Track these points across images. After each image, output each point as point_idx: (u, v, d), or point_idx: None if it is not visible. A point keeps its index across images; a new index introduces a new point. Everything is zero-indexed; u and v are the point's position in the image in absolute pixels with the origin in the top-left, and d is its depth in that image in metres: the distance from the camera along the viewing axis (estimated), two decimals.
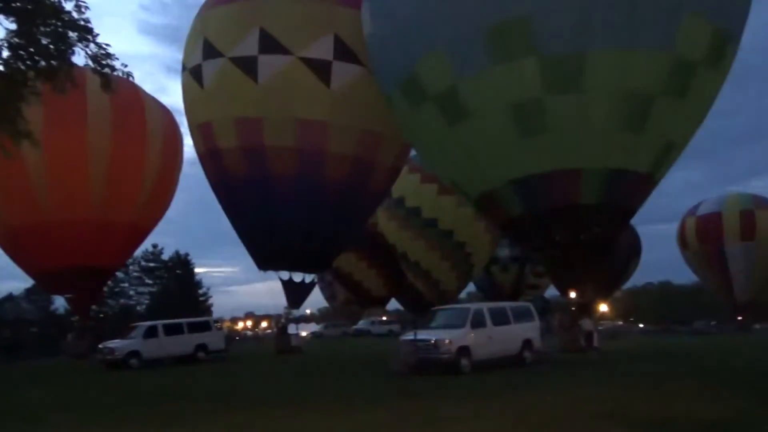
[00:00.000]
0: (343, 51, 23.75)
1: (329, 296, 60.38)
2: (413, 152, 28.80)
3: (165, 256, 61.13)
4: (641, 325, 76.79)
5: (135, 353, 23.76)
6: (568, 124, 18.33)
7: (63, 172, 28.33)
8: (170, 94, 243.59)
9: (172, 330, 25.36)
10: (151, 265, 60.36)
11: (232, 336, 55.02)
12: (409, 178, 37.04)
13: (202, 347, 25.74)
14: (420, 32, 19.27)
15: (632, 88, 17.87)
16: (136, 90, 31.60)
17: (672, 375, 15.93)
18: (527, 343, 19.58)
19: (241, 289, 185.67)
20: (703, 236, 47.16)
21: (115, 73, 10.32)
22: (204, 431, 9.59)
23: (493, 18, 17.74)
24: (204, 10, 26.01)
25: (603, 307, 52.44)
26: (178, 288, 58.41)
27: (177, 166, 34.26)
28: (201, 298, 63.01)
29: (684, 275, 73.05)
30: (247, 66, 23.77)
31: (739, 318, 49.61)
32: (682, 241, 49.73)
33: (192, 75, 25.79)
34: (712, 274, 48.16)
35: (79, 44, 9.61)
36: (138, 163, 30.48)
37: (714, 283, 49.41)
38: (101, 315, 50.89)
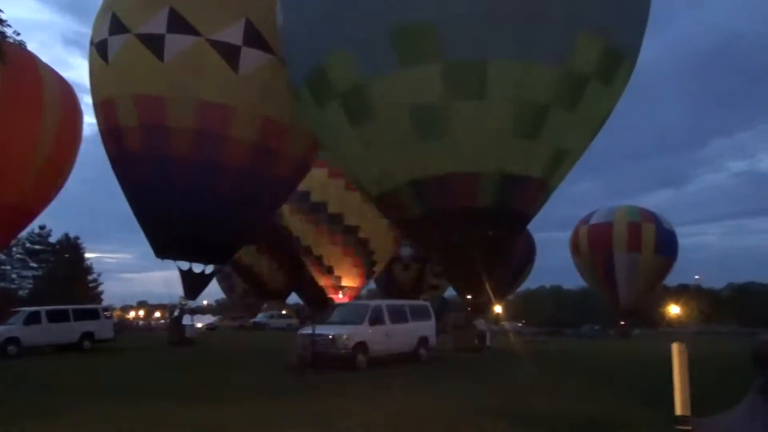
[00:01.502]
0: (254, 37, 23.57)
1: (227, 288, 59.28)
2: None
3: (53, 239, 57.75)
4: (521, 325, 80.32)
5: (13, 340, 22.40)
6: (467, 129, 18.75)
7: None
8: (68, 67, 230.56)
9: (56, 317, 24.10)
10: (37, 247, 56.67)
11: (122, 325, 52.87)
12: (316, 173, 36.81)
13: (88, 336, 24.60)
14: (329, 30, 19.20)
15: (528, 98, 18.49)
16: (34, 61, 29.52)
17: (555, 375, 16.76)
18: (423, 341, 20.04)
19: (136, 276, 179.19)
20: (594, 244, 49.58)
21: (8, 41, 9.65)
22: (86, 425, 9.10)
23: (400, 21, 17.91)
24: None
25: (497, 309, 54.48)
26: (66, 273, 55.27)
27: (74, 146, 32.04)
28: (90, 285, 59.99)
29: (574, 281, 76.80)
30: (154, 43, 23.29)
31: (622, 323, 52.64)
32: (575, 248, 52.09)
33: (97, 50, 25.11)
34: (600, 280, 50.69)
35: None
36: (28, 140, 28.33)
37: (600, 290, 52.04)
38: None
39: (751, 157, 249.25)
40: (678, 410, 4.34)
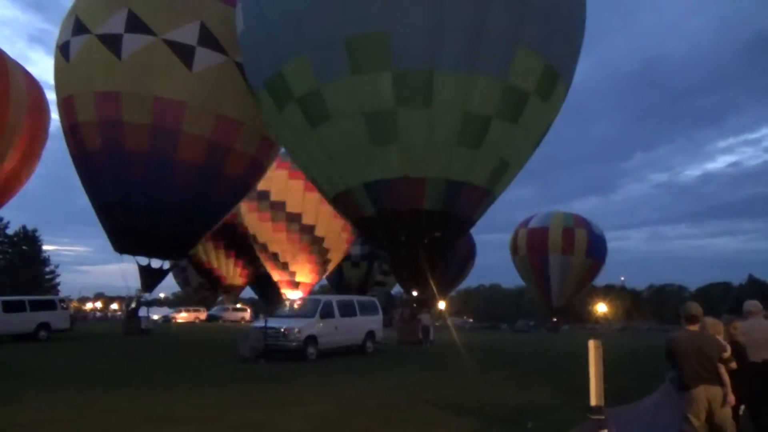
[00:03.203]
0: (208, 38, 23.70)
1: (182, 281, 58.18)
2: (283, 149, 28.58)
3: (10, 231, 55.59)
4: (471, 321, 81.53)
5: None
6: (415, 136, 19.01)
7: None
8: (31, 63, 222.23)
9: (12, 307, 23.27)
10: None
11: (79, 316, 51.29)
12: (277, 174, 36.87)
13: (44, 326, 23.82)
14: (286, 36, 19.20)
15: (471, 110, 18.81)
16: (1, 56, 28.43)
17: (491, 366, 17.13)
18: (370, 334, 20.19)
19: (93, 269, 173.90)
20: (531, 246, 50.61)
21: None
22: (40, 410, 8.89)
23: (354, 30, 18.04)
24: None
25: (441, 304, 55.14)
26: (23, 264, 53.32)
27: (40, 142, 31.04)
28: (47, 276, 57.98)
29: (511, 280, 78.35)
30: (112, 43, 23.27)
31: (554, 320, 53.93)
32: (514, 248, 53.07)
33: (61, 51, 25.13)
34: (535, 280, 51.74)
35: None
36: None
37: (535, 288, 53.15)
38: None
39: (670, 169, 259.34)
40: (593, 401, 4.60)
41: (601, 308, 71.23)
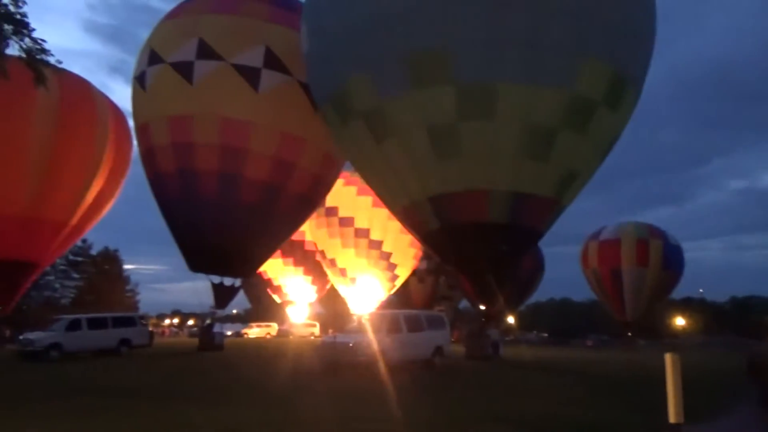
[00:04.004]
0: (273, 61, 24.63)
1: (253, 298, 59.38)
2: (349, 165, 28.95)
3: (94, 251, 58.54)
4: (546, 335, 79.51)
5: (56, 345, 22.66)
6: (479, 149, 18.79)
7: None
8: (111, 92, 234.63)
9: (96, 324, 24.44)
10: (79, 259, 57.49)
11: (157, 332, 53.19)
12: (345, 190, 37.47)
13: (125, 342, 24.84)
14: (349, 53, 19.50)
15: (536, 121, 18.47)
16: (89, 89, 30.27)
17: (561, 383, 16.57)
18: (438, 349, 19.95)
19: (169, 286, 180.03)
20: (603, 259, 49.10)
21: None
22: (114, 424, 9.22)
23: (416, 45, 18.08)
24: (156, 26, 27.13)
25: (510, 319, 54.09)
26: (105, 283, 55.95)
27: (123, 170, 32.71)
28: (128, 294, 60.59)
29: (582, 293, 76.05)
30: (184, 69, 24.43)
31: (629, 334, 51.91)
32: (584, 261, 51.61)
33: (138, 81, 26.54)
34: (608, 293, 50.14)
35: (14, 37, 9.23)
36: (81, 163, 28.99)
37: (608, 302, 51.46)
38: (24, 307, 48.10)
39: (750, 175, 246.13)
40: (671, 418, 4.32)
41: (679, 322, 68.06)
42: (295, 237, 37.12)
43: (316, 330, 51.94)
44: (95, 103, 29.77)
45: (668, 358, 4.42)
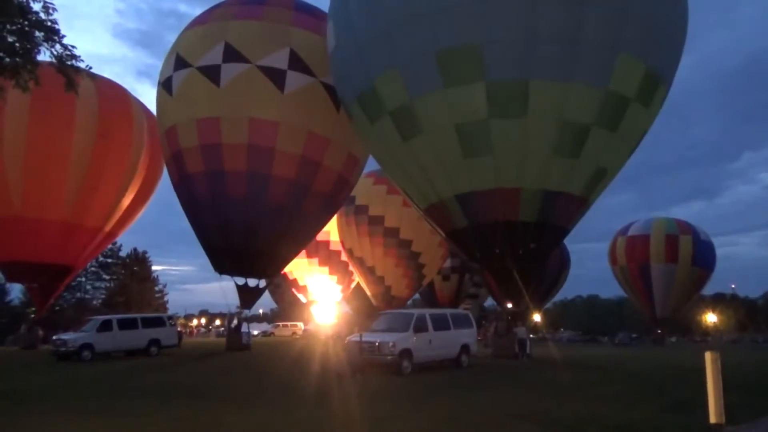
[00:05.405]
0: (297, 63, 25.06)
1: (278, 298, 59.76)
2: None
3: (123, 253, 59.57)
4: (570, 333, 78.68)
5: (88, 346, 23.03)
6: (510, 147, 18.67)
7: (41, 171, 27.64)
8: (139, 97, 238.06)
9: (126, 324, 24.79)
10: (109, 261, 58.56)
11: (185, 333, 53.86)
12: (375, 189, 37.59)
13: (155, 342, 25.17)
14: (377, 51, 19.46)
15: (569, 118, 18.27)
16: (126, 95, 30.78)
17: (591, 382, 16.30)
18: (465, 348, 19.80)
19: (197, 287, 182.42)
20: (632, 255, 48.44)
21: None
22: (147, 424, 9.32)
23: (446, 43, 17.98)
24: (181, 33, 27.59)
25: (536, 317, 53.61)
26: (135, 284, 56.85)
27: (157, 175, 33.30)
28: (157, 295, 61.48)
29: (609, 290, 75.05)
30: (211, 73, 24.82)
31: (658, 331, 51.09)
32: (613, 258, 50.95)
33: (164, 87, 26.81)
34: (637, 290, 49.42)
35: (45, 44, 9.40)
36: (119, 169, 29.68)
37: (637, 299, 50.72)
38: (57, 308, 49.11)
39: None
40: (712, 418, 4.20)
41: (711, 318, 66.80)
42: (320, 237, 37.33)
43: (341, 329, 52.04)
44: (132, 108, 30.38)
45: (708, 356, 4.30)
